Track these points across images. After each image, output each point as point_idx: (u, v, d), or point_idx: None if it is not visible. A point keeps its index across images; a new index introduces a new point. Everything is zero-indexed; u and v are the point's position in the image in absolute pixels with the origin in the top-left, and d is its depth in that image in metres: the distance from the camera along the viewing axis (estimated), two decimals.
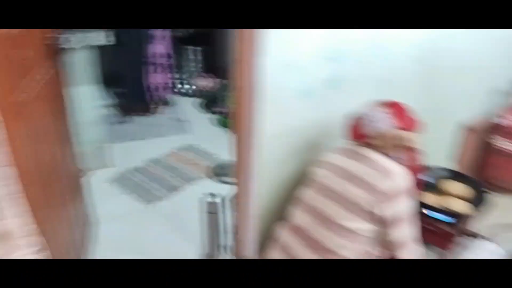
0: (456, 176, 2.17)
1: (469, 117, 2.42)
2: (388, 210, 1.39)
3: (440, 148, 2.41)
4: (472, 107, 2.43)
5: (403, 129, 1.46)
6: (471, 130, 2.37)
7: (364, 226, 1.41)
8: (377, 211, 1.39)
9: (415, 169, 1.56)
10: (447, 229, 1.87)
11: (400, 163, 1.46)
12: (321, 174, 1.54)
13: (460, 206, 1.95)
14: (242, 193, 1.71)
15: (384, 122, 1.45)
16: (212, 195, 1.90)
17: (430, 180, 2.05)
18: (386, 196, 1.37)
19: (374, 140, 1.47)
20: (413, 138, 1.48)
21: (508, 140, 2.35)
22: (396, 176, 1.39)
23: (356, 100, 1.56)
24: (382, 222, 1.41)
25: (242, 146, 1.61)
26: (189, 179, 2.79)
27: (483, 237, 1.91)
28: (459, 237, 1.97)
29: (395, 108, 1.49)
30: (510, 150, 2.36)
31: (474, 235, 1.93)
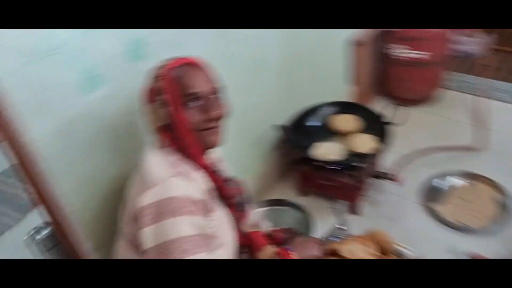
0: (346, 108, 1.70)
1: (356, 31, 1.97)
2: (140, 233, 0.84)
3: (331, 70, 1.95)
4: None
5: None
6: (360, 44, 1.93)
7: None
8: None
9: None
10: (347, 179, 1.45)
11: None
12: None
13: (359, 145, 1.53)
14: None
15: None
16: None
17: (316, 123, 1.60)
18: (135, 213, 0.85)
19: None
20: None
21: (403, 45, 1.94)
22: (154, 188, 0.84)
23: None
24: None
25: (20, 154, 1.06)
26: None
27: (391, 177, 1.51)
28: (365, 183, 1.56)
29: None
30: (407, 57, 1.95)
31: (382, 176, 1.53)
